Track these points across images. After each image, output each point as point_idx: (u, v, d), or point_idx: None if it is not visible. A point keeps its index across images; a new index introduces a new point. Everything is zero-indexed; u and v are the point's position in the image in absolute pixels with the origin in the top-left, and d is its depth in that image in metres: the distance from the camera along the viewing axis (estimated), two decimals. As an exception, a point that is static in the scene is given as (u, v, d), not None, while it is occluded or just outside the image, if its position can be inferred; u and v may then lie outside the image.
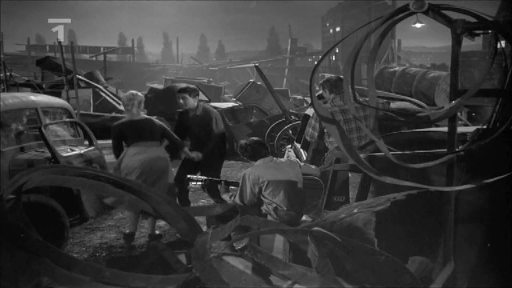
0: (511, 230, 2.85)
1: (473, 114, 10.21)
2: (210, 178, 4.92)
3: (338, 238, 2.51)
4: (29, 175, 2.73)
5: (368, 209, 2.80)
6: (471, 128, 3.24)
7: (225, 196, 4.52)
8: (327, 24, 54.80)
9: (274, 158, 4.46)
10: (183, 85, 6.23)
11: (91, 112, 11.85)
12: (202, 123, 5.73)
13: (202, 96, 12.64)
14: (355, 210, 2.87)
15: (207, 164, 5.71)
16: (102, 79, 15.58)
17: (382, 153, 2.77)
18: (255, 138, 4.56)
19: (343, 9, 49.73)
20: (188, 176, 4.84)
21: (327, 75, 5.35)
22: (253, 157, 4.41)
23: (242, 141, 4.54)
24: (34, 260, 2.18)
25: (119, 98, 13.88)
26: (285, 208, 4.15)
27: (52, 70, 14.19)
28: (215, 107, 11.32)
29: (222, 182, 4.62)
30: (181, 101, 5.70)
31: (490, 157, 2.88)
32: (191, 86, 5.99)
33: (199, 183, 4.71)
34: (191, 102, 5.71)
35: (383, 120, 4.69)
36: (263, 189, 4.19)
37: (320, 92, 5.33)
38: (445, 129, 2.79)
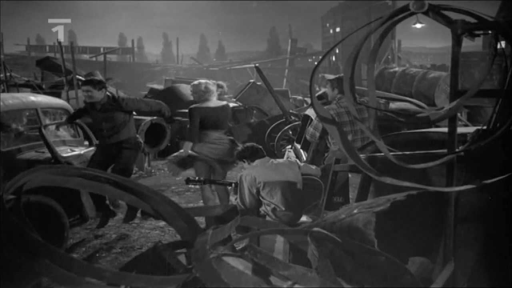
0: (511, 230, 2.86)
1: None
2: (210, 179, 4.93)
3: (338, 239, 2.51)
4: (29, 175, 2.73)
5: (368, 210, 2.80)
6: (471, 129, 3.24)
7: (232, 198, 4.55)
8: (327, 25, 54.82)
9: (272, 159, 4.46)
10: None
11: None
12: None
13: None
14: (355, 211, 2.87)
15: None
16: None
17: (382, 154, 2.78)
18: (251, 143, 4.62)
19: (343, 10, 49.73)
20: (187, 177, 4.86)
21: (327, 76, 5.34)
22: (251, 157, 4.42)
23: (238, 148, 4.59)
24: (34, 260, 2.18)
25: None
26: (283, 209, 4.14)
27: (52, 71, 14.20)
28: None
29: (233, 184, 4.64)
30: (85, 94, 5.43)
31: (490, 158, 2.88)
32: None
33: (197, 184, 4.74)
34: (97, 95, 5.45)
35: (383, 120, 4.69)
36: (260, 190, 4.19)
37: (320, 92, 5.32)
38: (445, 129, 2.79)
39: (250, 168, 4.34)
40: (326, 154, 5.19)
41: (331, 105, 5.03)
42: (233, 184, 4.63)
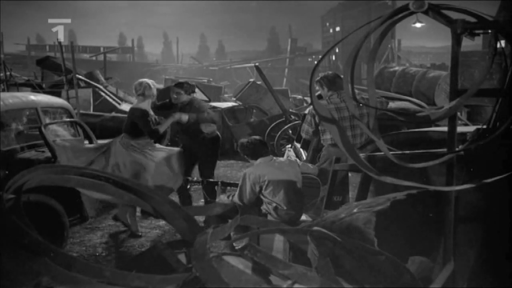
0: (511, 230, 2.86)
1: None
2: (208, 179, 4.94)
3: (338, 238, 2.51)
4: (29, 175, 2.73)
5: (368, 209, 2.81)
6: (471, 128, 3.24)
7: (223, 197, 4.53)
8: (327, 24, 54.78)
9: (274, 158, 4.46)
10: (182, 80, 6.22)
11: (91, 111, 11.84)
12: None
13: (201, 96, 12.62)
14: (355, 210, 2.87)
15: (202, 160, 5.77)
16: (102, 78, 15.55)
17: (382, 153, 2.78)
18: (256, 137, 4.56)
19: (343, 9, 49.71)
20: (187, 177, 4.87)
21: (326, 73, 5.34)
22: (253, 156, 4.41)
23: (243, 139, 4.54)
24: (34, 260, 2.18)
25: (119, 98, 13.87)
26: (285, 208, 4.15)
27: (52, 70, 14.18)
28: (215, 107, 11.35)
29: (219, 183, 4.63)
30: (175, 96, 5.74)
31: (490, 157, 2.88)
32: (185, 82, 6.00)
33: (197, 184, 4.75)
34: (184, 98, 5.73)
35: (382, 119, 4.68)
36: (263, 188, 4.20)
37: (320, 92, 5.32)
38: (445, 129, 2.79)
39: (254, 166, 4.34)
40: (322, 151, 5.18)
41: (321, 101, 5.04)
42: (219, 183, 4.63)
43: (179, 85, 5.80)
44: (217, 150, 5.97)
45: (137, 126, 5.21)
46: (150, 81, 5.43)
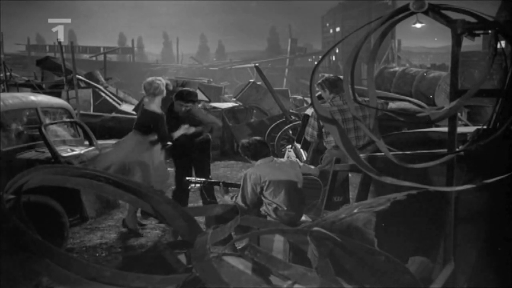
0: (511, 230, 2.86)
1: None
2: (209, 180, 4.93)
3: (338, 238, 2.51)
4: (29, 175, 2.72)
5: (368, 209, 2.81)
6: (471, 128, 3.24)
7: (226, 198, 4.52)
8: (327, 24, 54.72)
9: (275, 158, 4.46)
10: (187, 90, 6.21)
11: (91, 112, 11.86)
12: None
13: (201, 96, 12.63)
14: (355, 210, 2.87)
15: (197, 161, 5.92)
16: (102, 79, 15.56)
17: (382, 153, 2.78)
18: (257, 138, 4.56)
19: (343, 9, 49.65)
20: (187, 178, 4.86)
21: (327, 75, 5.35)
22: (254, 157, 4.41)
23: (244, 140, 4.54)
24: (34, 260, 2.18)
25: (119, 98, 13.89)
26: (285, 208, 4.15)
27: (52, 70, 14.21)
28: (215, 107, 11.36)
29: (221, 183, 4.62)
30: (183, 109, 5.79)
31: (490, 157, 2.88)
32: (194, 92, 6.06)
33: (198, 184, 4.74)
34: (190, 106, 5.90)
35: (383, 120, 4.69)
36: (264, 188, 4.19)
37: (320, 93, 5.33)
38: (445, 129, 2.79)
39: (255, 167, 4.34)
40: (324, 153, 5.19)
41: (324, 104, 5.05)
42: (221, 184, 4.62)
43: (190, 98, 5.85)
44: (208, 151, 6.13)
45: (149, 127, 5.29)
46: (160, 81, 5.50)
